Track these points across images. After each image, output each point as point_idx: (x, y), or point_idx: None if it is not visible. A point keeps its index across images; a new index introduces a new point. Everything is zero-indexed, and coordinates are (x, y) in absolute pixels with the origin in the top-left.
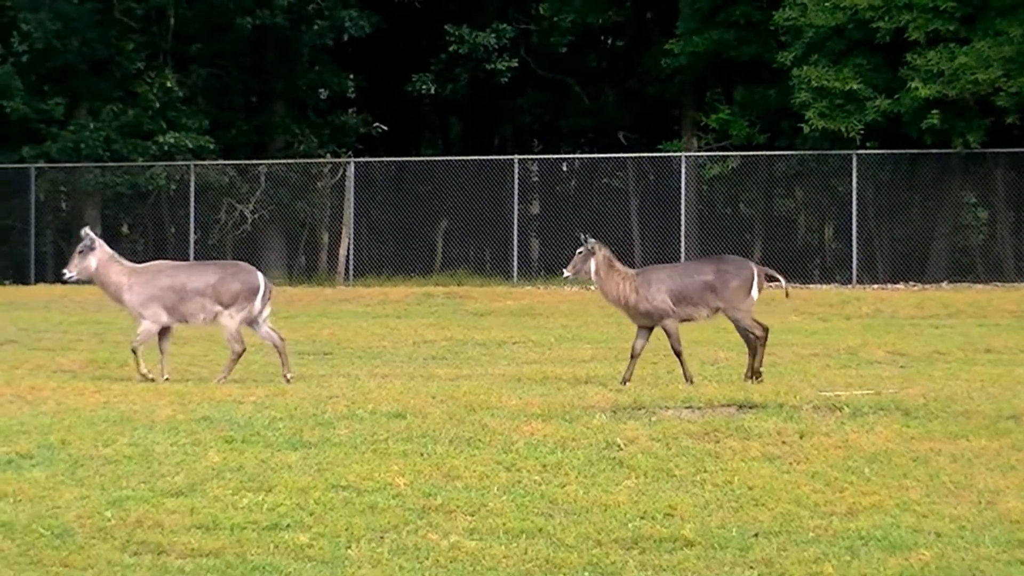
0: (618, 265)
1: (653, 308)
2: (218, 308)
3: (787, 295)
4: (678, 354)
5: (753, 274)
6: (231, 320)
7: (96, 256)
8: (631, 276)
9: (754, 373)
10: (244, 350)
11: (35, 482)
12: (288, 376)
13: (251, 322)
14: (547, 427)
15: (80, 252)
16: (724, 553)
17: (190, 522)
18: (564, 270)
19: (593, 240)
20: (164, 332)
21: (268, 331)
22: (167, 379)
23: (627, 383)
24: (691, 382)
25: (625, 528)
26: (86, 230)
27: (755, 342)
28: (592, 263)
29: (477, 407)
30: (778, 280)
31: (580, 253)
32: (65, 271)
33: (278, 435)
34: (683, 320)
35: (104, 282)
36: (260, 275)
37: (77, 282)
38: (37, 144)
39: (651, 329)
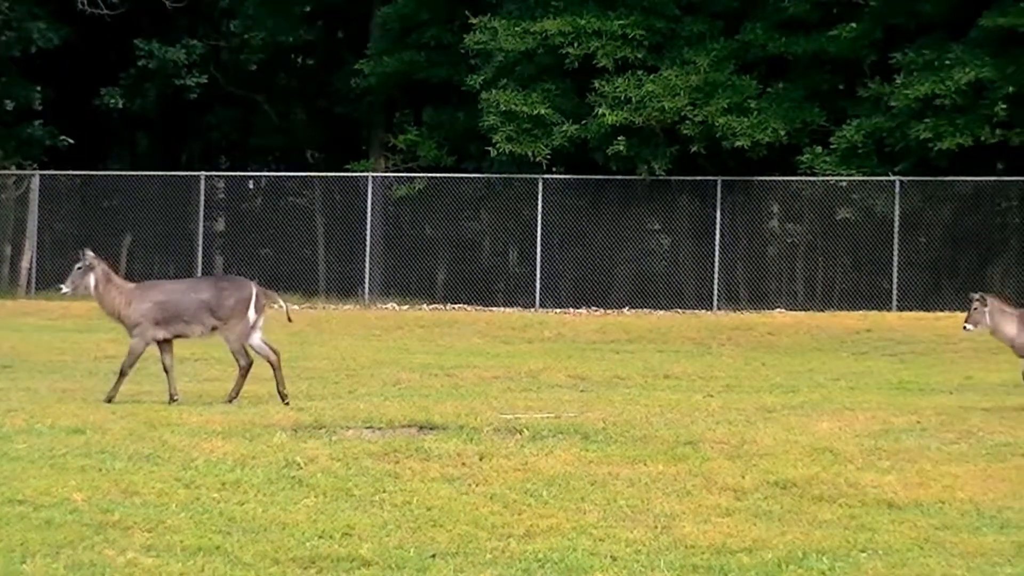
0: (115, 279)
1: (132, 321)
2: None
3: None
4: (123, 373)
5: (251, 295)
6: None
7: None
8: (128, 290)
9: (242, 394)
10: None
11: None
12: None
13: None
14: (227, 445)
15: None
16: (401, 573)
17: None
18: (62, 285)
19: (91, 255)
20: None
21: None
22: None
23: (175, 400)
24: (111, 401)
25: (303, 547)
26: None
27: (243, 368)
28: (91, 278)
29: (157, 424)
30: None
31: (79, 268)
32: None
33: None
34: (176, 336)
35: None
36: None
37: None
38: None
39: (171, 342)
